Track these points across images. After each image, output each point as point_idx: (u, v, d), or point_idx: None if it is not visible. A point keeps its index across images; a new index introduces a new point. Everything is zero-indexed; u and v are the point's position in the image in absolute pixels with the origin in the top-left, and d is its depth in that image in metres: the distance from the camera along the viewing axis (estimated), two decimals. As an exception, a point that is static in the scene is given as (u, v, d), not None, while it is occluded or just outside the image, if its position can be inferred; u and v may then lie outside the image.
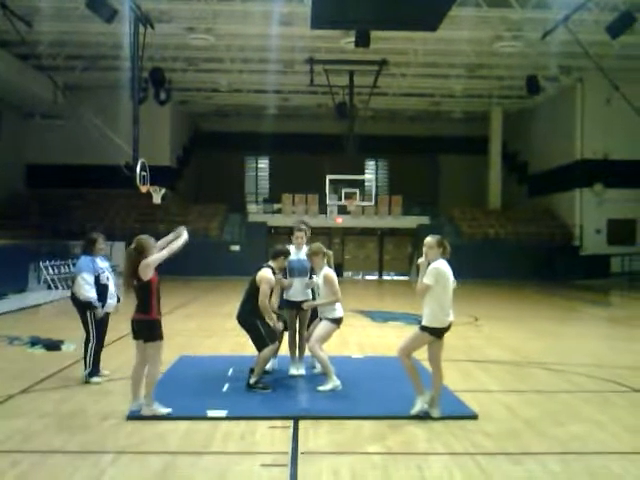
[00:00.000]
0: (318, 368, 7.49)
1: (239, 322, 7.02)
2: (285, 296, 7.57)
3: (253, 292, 6.88)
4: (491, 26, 21.31)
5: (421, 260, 5.95)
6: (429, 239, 5.97)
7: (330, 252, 7.39)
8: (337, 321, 7.11)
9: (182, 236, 6.23)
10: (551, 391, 7.14)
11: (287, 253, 7.26)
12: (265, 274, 6.87)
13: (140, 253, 5.84)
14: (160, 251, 5.96)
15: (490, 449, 5.12)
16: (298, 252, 7.56)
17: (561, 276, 25.45)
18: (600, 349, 10.32)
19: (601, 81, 22.15)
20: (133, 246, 5.90)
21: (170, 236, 6.34)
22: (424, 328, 5.85)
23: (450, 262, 5.94)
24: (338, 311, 7.11)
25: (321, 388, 6.85)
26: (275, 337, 6.96)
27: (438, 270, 5.80)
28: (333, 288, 7.01)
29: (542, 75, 25.80)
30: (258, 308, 6.87)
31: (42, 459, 4.80)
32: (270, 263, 7.06)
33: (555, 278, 25.38)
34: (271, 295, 6.98)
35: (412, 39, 22.82)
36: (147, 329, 5.91)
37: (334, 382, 6.88)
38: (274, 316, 7.03)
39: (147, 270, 5.82)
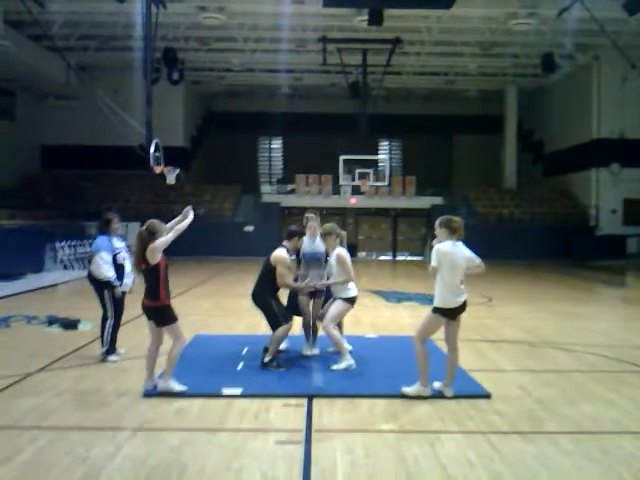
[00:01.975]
0: (333, 347, 7.53)
1: (254, 301, 7.06)
2: (299, 281, 7.55)
3: (267, 272, 6.91)
4: (506, 3, 21.03)
5: (435, 242, 5.96)
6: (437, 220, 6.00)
7: (344, 232, 7.39)
8: (351, 300, 7.12)
9: (188, 217, 6.26)
10: (565, 371, 7.13)
11: (302, 233, 7.26)
12: (280, 254, 6.89)
13: (151, 235, 5.87)
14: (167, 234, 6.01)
15: (503, 428, 5.14)
16: (312, 242, 7.48)
17: (576, 257, 25.30)
18: (614, 329, 10.28)
19: (617, 59, 21.84)
20: (144, 227, 5.94)
21: (179, 217, 6.38)
22: (435, 309, 5.87)
23: (465, 242, 5.92)
24: (352, 290, 7.12)
25: (335, 367, 6.89)
26: (288, 317, 7.00)
27: (438, 251, 5.80)
28: (345, 267, 7.02)
29: (558, 53, 25.44)
30: (272, 288, 6.91)
31: (60, 435, 4.89)
32: (285, 243, 7.08)
33: (570, 258, 25.24)
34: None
35: (426, 17, 22.59)
36: (158, 315, 5.97)
37: (348, 361, 6.91)
38: (299, 284, 7.22)
39: (154, 254, 5.85)
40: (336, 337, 7.00)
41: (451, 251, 5.80)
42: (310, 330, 7.69)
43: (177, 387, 5.94)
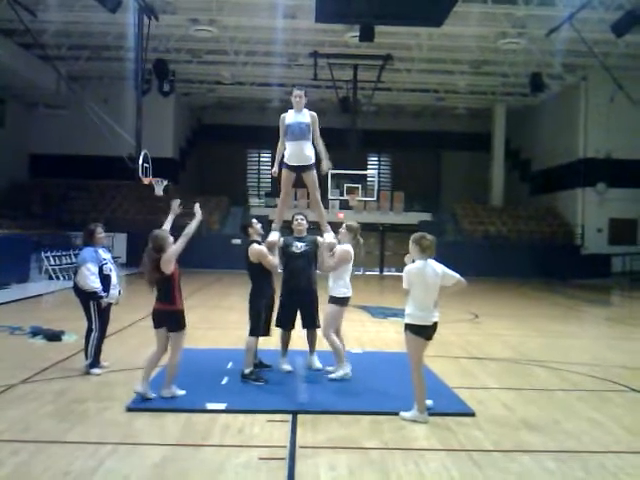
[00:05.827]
0: (316, 365, 7.51)
1: (249, 301, 7.04)
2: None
3: (253, 273, 6.98)
4: (496, 22, 21.30)
5: (406, 257, 5.92)
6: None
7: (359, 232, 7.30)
8: (341, 301, 7.10)
9: (196, 217, 6.33)
10: (549, 389, 7.16)
11: (250, 223, 7.25)
12: (252, 248, 6.93)
13: (159, 251, 6.01)
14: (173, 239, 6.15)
15: (487, 446, 5.15)
16: (297, 114, 7.50)
17: (562, 275, 25.44)
18: (599, 348, 10.34)
19: (605, 80, 22.11)
20: (151, 245, 6.05)
21: (170, 218, 6.64)
22: (405, 327, 5.78)
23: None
24: (343, 290, 7.08)
25: (332, 375, 7.01)
26: (265, 332, 7.01)
27: (409, 273, 5.74)
28: (335, 258, 7.03)
29: (546, 73, 25.76)
30: (263, 293, 6.94)
31: (41, 449, 4.83)
32: (250, 239, 7.08)
33: (556, 277, 25.38)
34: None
35: (417, 34, 22.82)
36: (172, 319, 6.12)
37: (344, 369, 7.00)
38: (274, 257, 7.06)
39: (169, 264, 6.02)
40: (335, 343, 7.03)
41: (422, 271, 5.71)
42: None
43: (179, 392, 6.18)
